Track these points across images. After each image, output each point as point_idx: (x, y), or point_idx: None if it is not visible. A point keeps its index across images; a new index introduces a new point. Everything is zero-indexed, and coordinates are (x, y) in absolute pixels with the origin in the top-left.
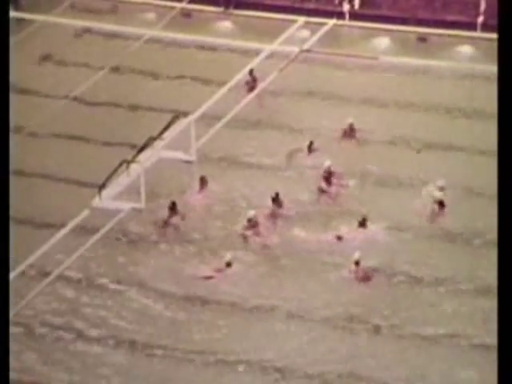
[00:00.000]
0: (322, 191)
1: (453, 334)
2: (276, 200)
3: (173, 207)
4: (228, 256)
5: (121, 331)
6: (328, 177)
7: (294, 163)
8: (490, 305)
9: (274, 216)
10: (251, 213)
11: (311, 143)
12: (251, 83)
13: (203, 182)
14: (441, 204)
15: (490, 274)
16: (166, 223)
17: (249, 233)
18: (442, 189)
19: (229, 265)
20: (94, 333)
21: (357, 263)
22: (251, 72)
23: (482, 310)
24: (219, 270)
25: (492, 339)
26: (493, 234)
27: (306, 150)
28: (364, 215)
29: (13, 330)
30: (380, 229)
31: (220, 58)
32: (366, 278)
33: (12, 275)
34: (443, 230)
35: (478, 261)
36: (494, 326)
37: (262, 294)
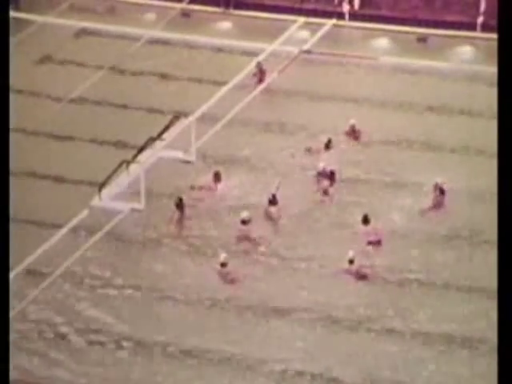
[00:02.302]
0: (323, 192)
1: (451, 333)
2: (272, 202)
3: (179, 204)
4: (223, 256)
5: (120, 332)
6: (327, 176)
7: (295, 164)
8: (490, 305)
9: (270, 217)
10: (245, 214)
11: (329, 141)
12: (259, 76)
13: (217, 177)
14: (441, 191)
15: (489, 274)
16: (173, 221)
17: (244, 233)
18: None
19: (223, 265)
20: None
21: (351, 262)
22: (259, 64)
23: (481, 310)
24: None
25: (492, 339)
26: (492, 234)
27: (323, 147)
28: (366, 213)
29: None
30: (381, 228)
31: (220, 59)
32: (362, 276)
33: (11, 275)
34: (444, 230)
35: (478, 260)
36: (494, 325)
37: (259, 295)
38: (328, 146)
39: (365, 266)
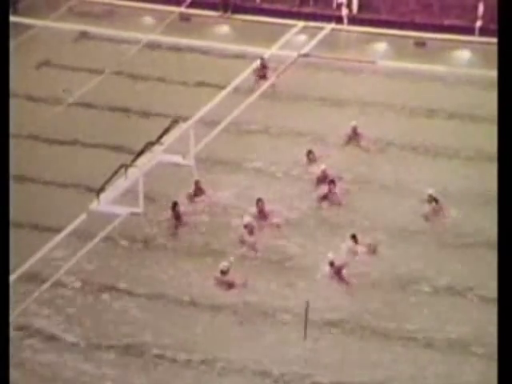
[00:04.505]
0: (323, 197)
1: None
2: (259, 207)
3: (174, 208)
4: (223, 264)
5: (116, 337)
6: (325, 180)
7: (295, 168)
8: (486, 307)
9: (262, 222)
10: (247, 218)
11: (310, 152)
12: (262, 71)
13: (198, 187)
14: (436, 202)
15: (483, 278)
16: (174, 225)
17: (246, 238)
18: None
19: (223, 273)
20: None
21: (331, 264)
22: (262, 61)
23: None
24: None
25: (490, 344)
26: (490, 238)
27: (306, 158)
28: (353, 233)
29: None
30: (367, 246)
31: (218, 63)
32: (343, 279)
33: (10, 279)
34: (442, 234)
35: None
36: (490, 329)
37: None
38: (309, 157)
39: (351, 270)
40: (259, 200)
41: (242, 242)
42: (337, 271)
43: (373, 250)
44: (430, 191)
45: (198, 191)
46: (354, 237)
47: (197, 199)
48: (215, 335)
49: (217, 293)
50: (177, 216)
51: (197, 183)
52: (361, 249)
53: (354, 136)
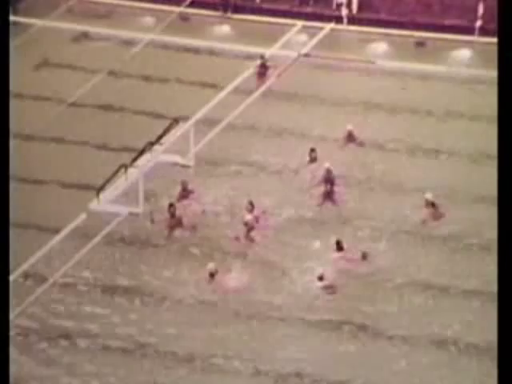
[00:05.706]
0: (323, 196)
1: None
2: (249, 209)
3: (170, 208)
4: (211, 265)
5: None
6: (328, 179)
7: (295, 168)
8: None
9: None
10: (248, 216)
11: (312, 150)
12: (262, 71)
13: (184, 188)
14: (433, 205)
15: (487, 279)
16: (170, 227)
17: (245, 237)
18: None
19: (212, 275)
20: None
21: (320, 278)
22: (262, 58)
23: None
24: None
25: (488, 343)
26: (488, 239)
27: (308, 157)
28: (338, 239)
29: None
30: (356, 255)
31: (218, 62)
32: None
33: (10, 279)
34: (441, 237)
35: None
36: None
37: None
38: (311, 156)
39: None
40: (250, 202)
41: (240, 239)
42: (328, 286)
43: (363, 257)
44: (427, 196)
45: (184, 192)
46: (338, 243)
47: (184, 200)
48: (213, 335)
49: (209, 294)
50: (173, 216)
51: (183, 184)
52: (349, 256)
53: (350, 139)
